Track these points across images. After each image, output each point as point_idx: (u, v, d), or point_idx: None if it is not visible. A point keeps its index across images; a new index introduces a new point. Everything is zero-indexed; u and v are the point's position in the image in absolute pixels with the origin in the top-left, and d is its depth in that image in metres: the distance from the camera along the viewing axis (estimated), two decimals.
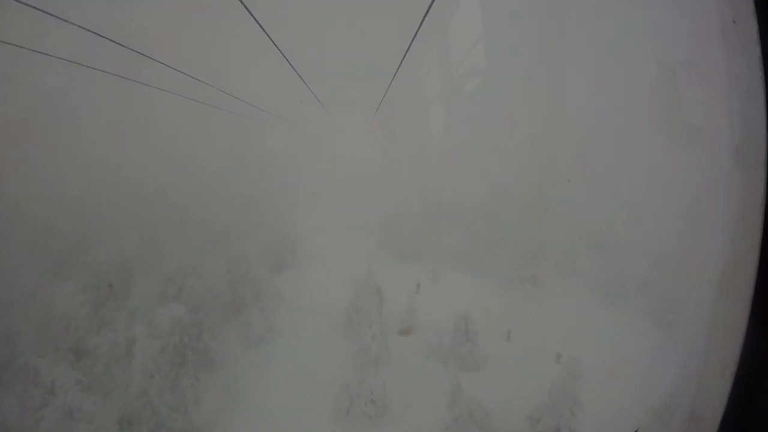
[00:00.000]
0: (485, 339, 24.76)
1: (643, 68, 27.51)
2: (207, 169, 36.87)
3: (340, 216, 37.20)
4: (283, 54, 22.24)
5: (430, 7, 15.43)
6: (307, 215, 36.86)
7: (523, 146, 35.24)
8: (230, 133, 37.23)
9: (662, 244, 29.96)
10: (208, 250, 31.88)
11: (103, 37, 22.79)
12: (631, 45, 28.28)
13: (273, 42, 20.40)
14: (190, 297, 26.57)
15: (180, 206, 35.70)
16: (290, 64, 24.08)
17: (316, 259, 34.96)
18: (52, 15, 21.82)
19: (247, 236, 34.47)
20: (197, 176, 36.59)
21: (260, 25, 17.90)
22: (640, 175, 31.38)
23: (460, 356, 23.49)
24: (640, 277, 31.18)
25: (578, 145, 32.66)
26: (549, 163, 33.94)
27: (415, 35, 18.44)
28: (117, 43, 23.15)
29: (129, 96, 32.51)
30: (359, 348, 21.53)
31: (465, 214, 37.54)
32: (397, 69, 24.55)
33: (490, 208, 37.68)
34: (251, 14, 16.76)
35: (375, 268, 28.45)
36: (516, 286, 33.33)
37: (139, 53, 24.35)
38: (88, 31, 23.02)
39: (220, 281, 28.16)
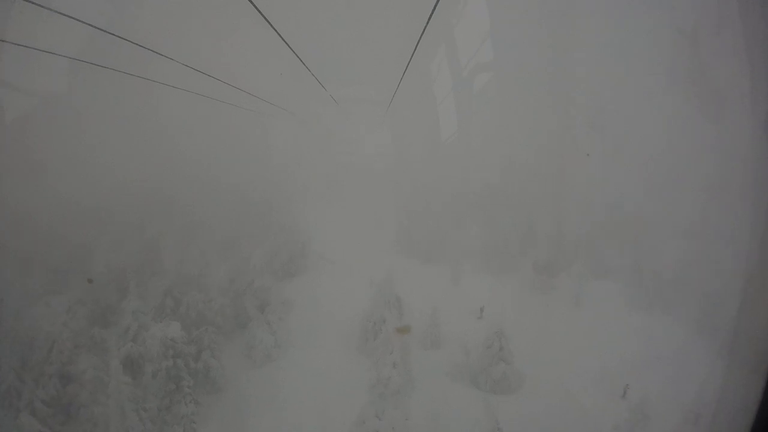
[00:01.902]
0: (520, 358, 21.71)
1: (660, 31, 24.21)
2: (212, 168, 34.32)
3: (354, 214, 34.35)
4: (291, 47, 20.16)
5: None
6: (319, 214, 34.13)
7: (540, 126, 31.97)
8: (236, 130, 34.57)
9: (693, 226, 26.50)
10: (211, 256, 29.34)
11: (106, 32, 20.95)
12: (647, 8, 25.27)
13: (280, 35, 18.43)
14: (190, 311, 24.03)
15: (183, 208, 33.31)
16: (300, 60, 21.88)
17: (329, 262, 32.24)
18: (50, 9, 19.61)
19: (255, 239, 31.91)
20: (202, 176, 34.08)
21: (267, 19, 16.35)
22: (665, 148, 27.79)
23: (493, 378, 20.47)
24: (674, 273, 28.07)
25: (595, 115, 29.18)
26: (567, 141, 30.59)
27: (426, 26, 17.00)
28: (118, 36, 21.13)
29: (130, 92, 30.03)
30: (377, 378, 18.67)
31: (485, 207, 34.57)
32: (410, 60, 22.29)
33: (511, 198, 34.77)
34: (258, 10, 15.08)
35: (393, 274, 25.77)
36: (546, 289, 30.42)
37: (143, 47, 22.04)
38: (91, 26, 20.86)
39: (223, 292, 25.53)
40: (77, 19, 20.65)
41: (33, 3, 19.08)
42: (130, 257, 29.28)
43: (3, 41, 22.56)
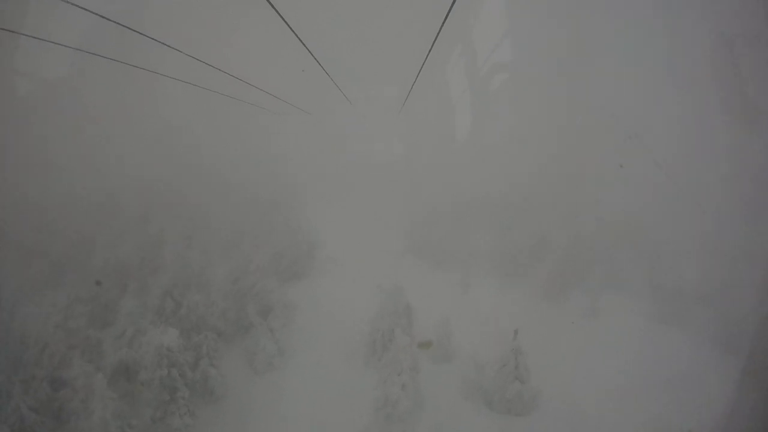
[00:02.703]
0: (536, 376, 20.34)
1: (700, 39, 23.01)
2: (218, 165, 33.24)
3: (363, 215, 33.08)
4: (306, 46, 19.23)
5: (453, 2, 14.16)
6: (326, 214, 32.96)
7: (556, 131, 30.57)
8: (244, 127, 33.40)
9: (713, 241, 25.42)
10: (214, 255, 28.30)
11: (115, 22, 19.85)
12: (688, 12, 24.08)
13: (295, 33, 17.65)
14: (190, 314, 22.95)
15: (187, 205, 32.31)
16: (315, 58, 20.97)
17: (337, 265, 31.06)
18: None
19: (259, 239, 30.73)
20: (208, 173, 33.03)
21: (283, 17, 15.88)
22: (687, 158, 26.04)
23: (506, 398, 19.16)
24: (692, 288, 26.27)
25: (631, 124, 27.47)
26: (583, 148, 29.19)
27: (441, 28, 16.35)
28: (129, 27, 20.19)
29: (136, 85, 29.08)
30: (384, 399, 17.44)
31: (501, 210, 33.15)
32: (423, 62, 21.43)
33: (525, 204, 33.28)
34: (274, 7, 14.51)
35: (402, 280, 24.53)
36: (560, 300, 28.95)
37: (153, 39, 21.03)
38: (100, 16, 19.81)
39: (225, 294, 24.42)
40: (86, 9, 19.76)
41: None
42: (132, 253, 28.41)
43: (5, 29, 21.89)
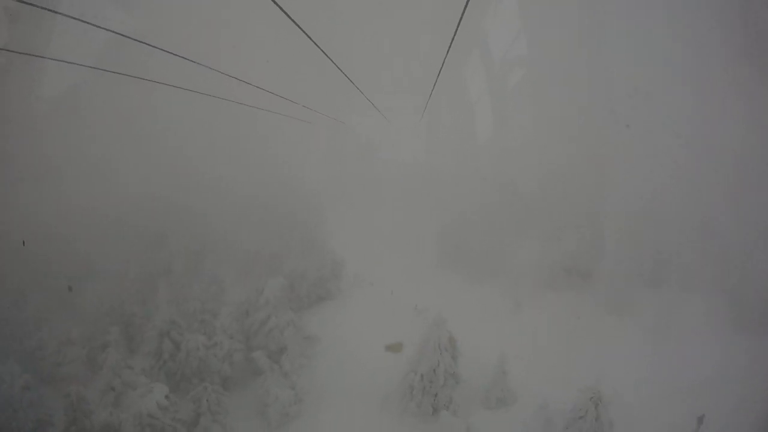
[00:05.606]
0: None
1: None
2: (233, 177, 29.87)
3: (391, 227, 29.13)
4: (332, 60, 16.79)
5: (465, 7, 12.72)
6: (351, 228, 29.17)
7: (584, 130, 27.31)
8: (261, 136, 30.11)
9: None
10: (224, 284, 24.72)
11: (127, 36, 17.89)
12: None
13: (311, 39, 14.99)
14: (190, 358, 19.29)
15: (198, 226, 28.92)
16: (338, 67, 18.34)
17: (365, 285, 27.26)
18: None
19: (277, 261, 27.01)
20: (222, 187, 29.66)
21: (300, 27, 13.42)
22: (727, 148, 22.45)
23: None
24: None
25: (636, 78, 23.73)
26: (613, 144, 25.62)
27: (456, 31, 14.23)
28: (138, 40, 17.75)
29: (147, 97, 26.37)
30: None
31: (541, 213, 28.77)
32: (441, 66, 18.59)
33: (568, 201, 28.83)
34: (289, 17, 12.04)
35: (441, 302, 20.45)
36: (625, 313, 24.43)
37: (169, 52, 18.47)
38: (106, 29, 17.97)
39: (232, 332, 20.66)
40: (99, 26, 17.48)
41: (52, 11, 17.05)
42: (132, 285, 25.19)
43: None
